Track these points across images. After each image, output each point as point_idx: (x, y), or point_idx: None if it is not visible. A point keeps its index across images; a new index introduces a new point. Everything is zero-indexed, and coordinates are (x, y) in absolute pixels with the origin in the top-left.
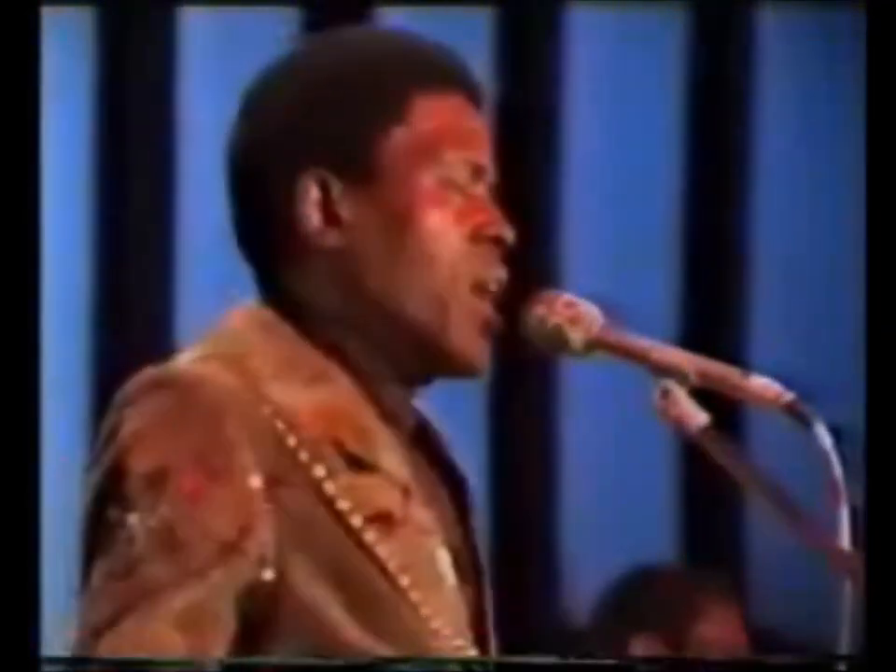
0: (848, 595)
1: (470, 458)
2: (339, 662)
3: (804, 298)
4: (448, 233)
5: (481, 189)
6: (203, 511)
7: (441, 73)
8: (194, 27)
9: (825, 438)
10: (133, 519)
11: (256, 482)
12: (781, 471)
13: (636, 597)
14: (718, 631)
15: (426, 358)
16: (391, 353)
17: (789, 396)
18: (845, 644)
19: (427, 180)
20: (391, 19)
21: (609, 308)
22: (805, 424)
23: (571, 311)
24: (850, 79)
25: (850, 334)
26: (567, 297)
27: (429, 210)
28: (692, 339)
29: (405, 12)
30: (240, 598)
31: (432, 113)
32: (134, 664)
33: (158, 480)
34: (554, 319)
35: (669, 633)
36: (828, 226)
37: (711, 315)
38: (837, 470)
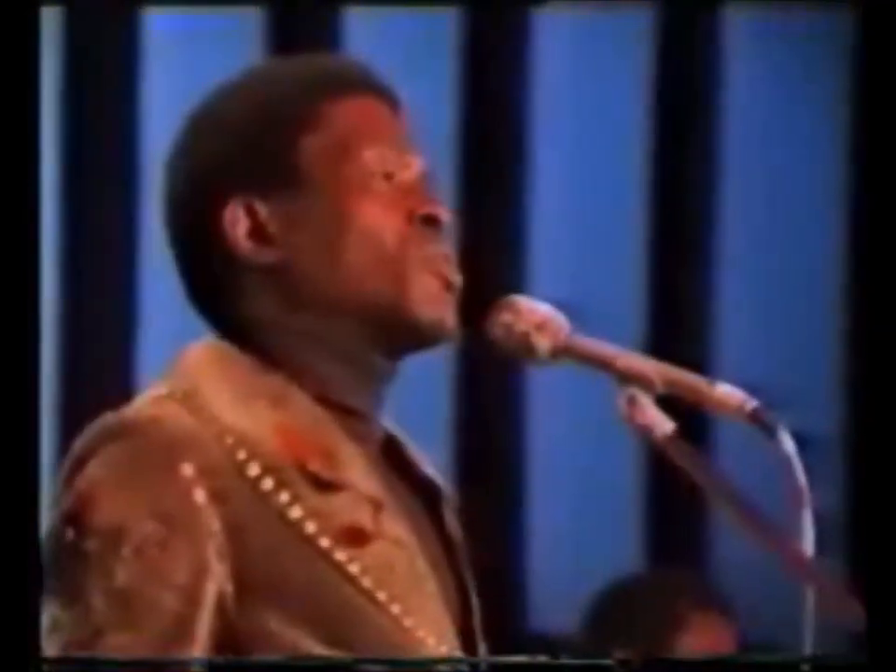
0: (811, 601)
1: (437, 464)
2: (319, 662)
3: (772, 304)
4: (384, 220)
5: (408, 175)
6: (160, 567)
7: (346, 78)
8: (158, 27)
9: (789, 444)
10: (90, 583)
11: (214, 524)
12: (746, 478)
13: (614, 611)
14: (700, 640)
15: (392, 336)
16: (354, 349)
17: (753, 404)
18: (808, 648)
19: (351, 175)
20: (356, 19)
21: (575, 315)
22: (769, 431)
23: (537, 318)
24: (826, 80)
25: (820, 341)
26: (533, 304)
27: (360, 203)
28: (658, 346)
29: (369, 12)
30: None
31: (343, 115)
32: (135, 664)
33: (114, 538)
34: (521, 326)
35: (650, 646)
36: (799, 231)
37: (678, 323)
38: (801, 477)
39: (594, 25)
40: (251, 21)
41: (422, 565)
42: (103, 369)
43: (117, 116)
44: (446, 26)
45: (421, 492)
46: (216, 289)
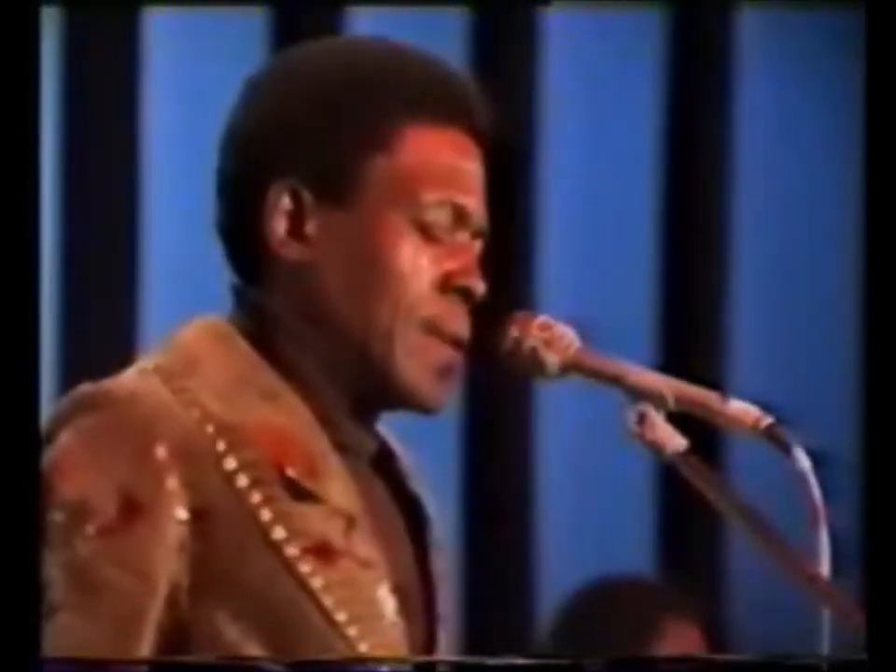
0: (826, 618)
1: (444, 483)
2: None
3: (787, 319)
4: (413, 277)
5: (461, 236)
6: (122, 550)
7: (442, 105)
8: (159, 28)
9: (804, 461)
10: (51, 557)
11: (181, 513)
12: (760, 495)
13: (590, 616)
14: (674, 648)
15: (375, 388)
16: (343, 377)
17: (767, 420)
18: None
19: (401, 220)
20: (363, 21)
21: (585, 330)
22: (784, 448)
23: (547, 333)
24: (838, 81)
25: (836, 356)
26: (542, 319)
27: (397, 251)
28: (670, 362)
29: (377, 14)
30: (152, 638)
31: (421, 147)
32: (135, 662)
33: (78, 512)
34: (530, 342)
35: (624, 652)
36: (815, 242)
37: (689, 338)
38: (816, 494)
39: (603, 25)
40: (252, 22)
41: (385, 592)
42: (103, 347)
43: (117, 116)
44: (451, 28)
45: (409, 518)
46: (246, 269)
